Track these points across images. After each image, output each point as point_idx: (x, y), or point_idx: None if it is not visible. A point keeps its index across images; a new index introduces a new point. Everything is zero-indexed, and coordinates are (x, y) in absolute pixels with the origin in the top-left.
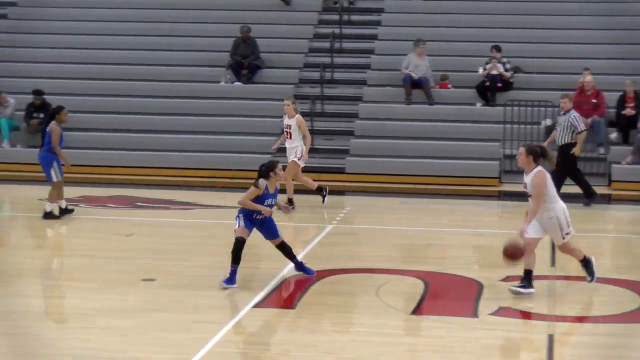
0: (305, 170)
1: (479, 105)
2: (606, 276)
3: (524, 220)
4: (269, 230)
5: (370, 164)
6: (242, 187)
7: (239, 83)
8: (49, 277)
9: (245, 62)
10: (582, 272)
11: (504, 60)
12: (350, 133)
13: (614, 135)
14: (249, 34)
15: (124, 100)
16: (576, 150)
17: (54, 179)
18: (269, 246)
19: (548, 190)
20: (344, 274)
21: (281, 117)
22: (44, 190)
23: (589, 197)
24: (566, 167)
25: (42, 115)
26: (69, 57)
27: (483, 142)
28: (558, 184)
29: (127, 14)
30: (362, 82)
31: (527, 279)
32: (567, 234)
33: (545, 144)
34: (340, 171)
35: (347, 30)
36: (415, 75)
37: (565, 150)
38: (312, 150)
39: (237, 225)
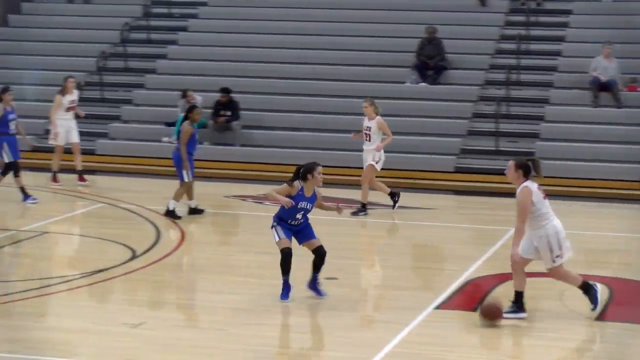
0: (485, 172)
1: None
2: None
3: (513, 244)
4: (305, 234)
5: (556, 166)
6: (422, 188)
7: (424, 84)
8: (233, 273)
9: (431, 62)
10: None
11: None
12: (535, 135)
13: None
14: (435, 35)
15: (309, 99)
16: None
17: (185, 179)
18: (451, 248)
19: (538, 208)
20: (527, 277)
21: (466, 118)
22: (230, 187)
23: None
24: None
25: (228, 113)
26: (255, 56)
27: None
28: None
29: (312, 14)
30: (549, 85)
31: (518, 301)
32: (558, 256)
33: None
34: None
35: (534, 32)
36: (603, 78)
37: None
38: (497, 153)
39: (277, 237)
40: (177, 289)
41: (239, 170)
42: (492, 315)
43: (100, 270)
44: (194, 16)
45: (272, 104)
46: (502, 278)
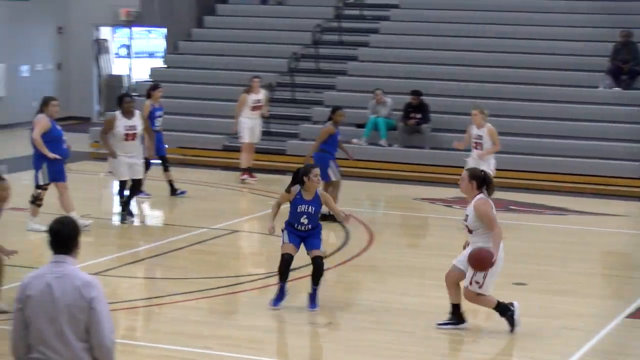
0: None
1: None
2: None
3: (493, 249)
4: (312, 242)
5: None
6: (608, 194)
7: (618, 89)
8: (421, 275)
9: (626, 67)
10: None
11: None
12: None
13: None
14: (630, 39)
15: (498, 103)
16: None
17: (332, 178)
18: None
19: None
20: None
21: None
22: (419, 190)
23: None
24: None
25: (419, 116)
26: (445, 59)
27: None
28: None
29: (503, 17)
30: None
31: (455, 314)
32: (477, 283)
33: None
34: None
35: None
36: None
37: None
38: None
39: (281, 241)
40: (365, 290)
41: (428, 173)
42: (481, 263)
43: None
44: (385, 18)
45: (462, 107)
46: None
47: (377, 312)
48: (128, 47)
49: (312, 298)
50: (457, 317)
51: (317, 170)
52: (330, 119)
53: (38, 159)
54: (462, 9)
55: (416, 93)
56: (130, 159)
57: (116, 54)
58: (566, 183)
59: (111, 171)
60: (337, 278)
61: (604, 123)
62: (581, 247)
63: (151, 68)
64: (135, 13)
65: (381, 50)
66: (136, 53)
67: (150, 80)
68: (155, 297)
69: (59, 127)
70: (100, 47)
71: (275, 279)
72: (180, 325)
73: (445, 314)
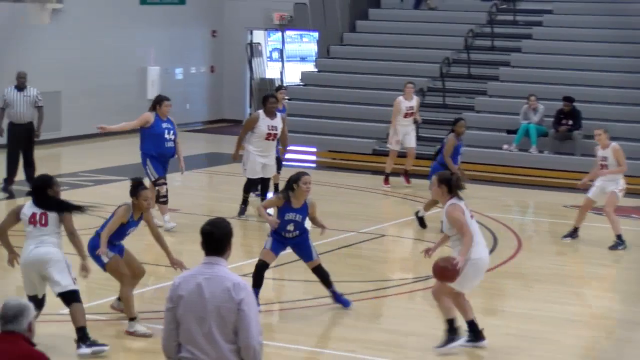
0: None
1: None
2: None
3: (461, 254)
4: (303, 251)
5: None
6: None
7: None
8: (568, 283)
9: None
10: None
11: None
12: None
13: None
14: None
15: None
16: None
17: None
18: None
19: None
20: None
21: None
22: (569, 197)
23: None
24: None
25: (570, 122)
26: (597, 65)
27: None
28: None
29: None
30: None
31: (451, 330)
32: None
33: None
34: None
35: None
36: None
37: None
38: None
39: (264, 246)
40: (511, 297)
41: (579, 180)
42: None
43: None
44: (538, 24)
45: (616, 114)
46: None
47: (520, 318)
48: (280, 51)
49: (338, 298)
50: (474, 334)
51: (308, 178)
52: (452, 130)
53: (143, 157)
54: (617, 14)
55: (568, 99)
56: (264, 159)
57: (269, 57)
58: None
59: (246, 169)
60: (483, 284)
61: None
62: None
63: (302, 72)
64: (288, 17)
65: (533, 55)
66: (288, 57)
67: (302, 84)
68: (301, 300)
69: (164, 126)
70: (253, 50)
71: (422, 284)
72: (326, 328)
73: (581, 322)
